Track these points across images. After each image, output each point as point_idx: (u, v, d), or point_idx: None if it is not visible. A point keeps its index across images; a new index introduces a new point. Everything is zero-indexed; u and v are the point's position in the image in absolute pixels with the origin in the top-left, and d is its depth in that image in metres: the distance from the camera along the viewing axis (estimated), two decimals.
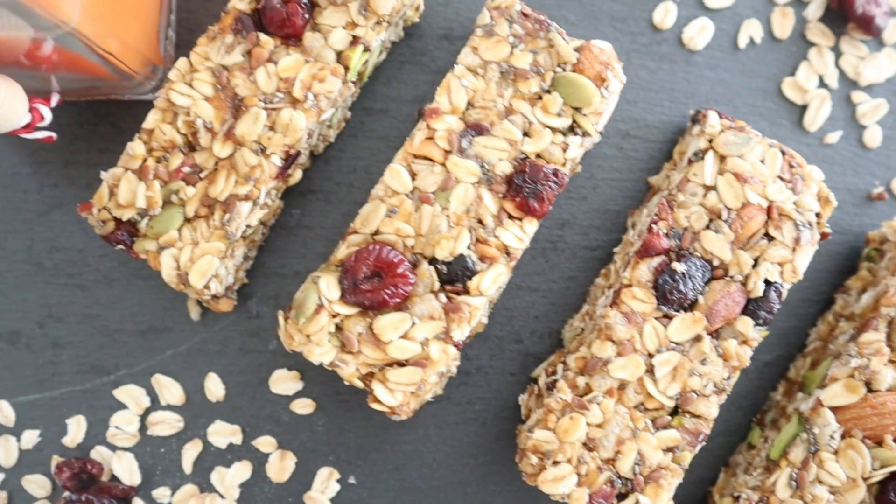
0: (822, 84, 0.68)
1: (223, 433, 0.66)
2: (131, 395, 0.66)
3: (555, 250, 0.67)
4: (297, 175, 0.64)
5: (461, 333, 0.58)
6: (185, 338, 0.67)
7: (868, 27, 0.68)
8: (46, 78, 0.61)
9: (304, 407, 0.66)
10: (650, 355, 0.59)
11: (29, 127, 0.59)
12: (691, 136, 0.65)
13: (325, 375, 0.66)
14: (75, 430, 0.66)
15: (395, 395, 0.58)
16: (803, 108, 0.68)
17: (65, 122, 0.66)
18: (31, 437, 0.66)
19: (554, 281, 0.67)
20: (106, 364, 0.67)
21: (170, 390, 0.66)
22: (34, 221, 0.67)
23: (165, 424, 0.66)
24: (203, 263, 0.59)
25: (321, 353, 0.58)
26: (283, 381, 0.67)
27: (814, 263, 0.66)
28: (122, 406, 0.66)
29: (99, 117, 0.68)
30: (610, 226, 0.67)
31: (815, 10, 0.68)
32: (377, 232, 0.59)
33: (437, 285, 0.58)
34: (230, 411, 0.66)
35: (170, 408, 0.67)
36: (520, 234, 0.59)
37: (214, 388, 0.66)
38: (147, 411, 0.67)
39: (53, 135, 0.61)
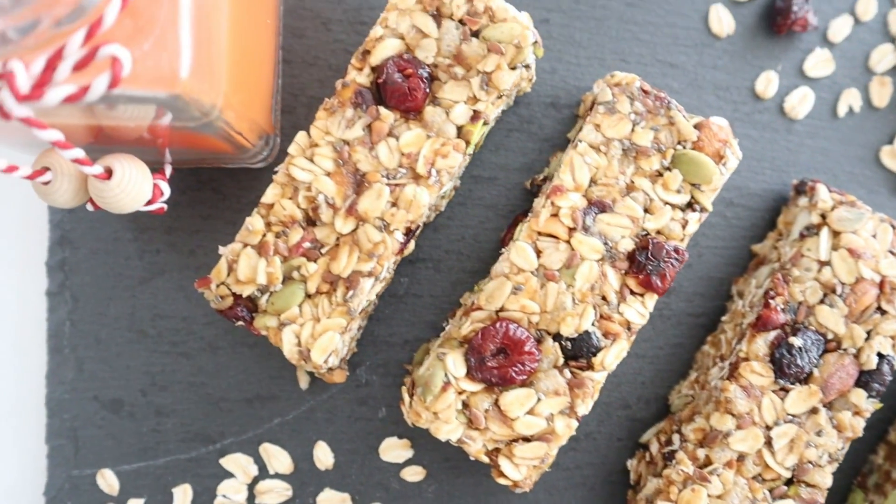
0: None
1: (333, 501, 0.66)
2: (238, 463, 0.66)
3: (661, 317, 0.68)
4: (410, 246, 0.64)
5: (586, 408, 0.59)
6: (293, 406, 0.66)
7: None
8: (160, 151, 0.60)
9: (414, 474, 0.67)
10: (768, 427, 0.60)
11: (149, 202, 0.58)
12: (797, 207, 0.66)
13: (435, 443, 0.67)
14: (181, 498, 0.66)
15: (520, 470, 0.59)
16: None
17: None
18: None
19: (660, 347, 0.68)
20: (211, 432, 0.66)
21: (278, 459, 0.66)
22: (136, 288, 0.66)
23: (274, 493, 0.66)
24: (325, 340, 0.58)
25: (449, 430, 0.58)
26: (394, 449, 0.67)
27: None
28: (229, 475, 0.66)
29: (201, 183, 0.67)
30: (714, 293, 0.68)
31: None
32: (502, 308, 0.59)
33: (560, 361, 0.59)
34: (339, 479, 0.66)
35: (278, 476, 0.66)
36: (642, 311, 0.60)
37: (323, 456, 0.66)
38: (255, 480, 0.66)
39: (164, 205, 0.60)
